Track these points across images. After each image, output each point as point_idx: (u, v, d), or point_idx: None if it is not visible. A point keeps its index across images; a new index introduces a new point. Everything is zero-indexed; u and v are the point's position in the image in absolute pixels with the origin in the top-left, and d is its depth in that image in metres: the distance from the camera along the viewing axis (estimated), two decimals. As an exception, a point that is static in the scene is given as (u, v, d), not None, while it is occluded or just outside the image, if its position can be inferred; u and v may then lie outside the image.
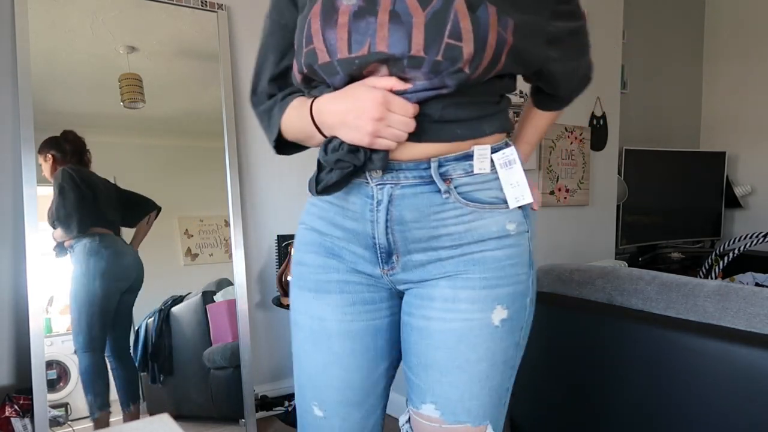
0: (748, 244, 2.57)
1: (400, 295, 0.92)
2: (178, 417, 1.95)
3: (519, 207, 0.86)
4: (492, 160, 0.85)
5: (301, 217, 0.97)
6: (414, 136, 0.81)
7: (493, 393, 0.88)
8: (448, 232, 0.84)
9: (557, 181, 2.75)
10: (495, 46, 0.78)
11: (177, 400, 2.00)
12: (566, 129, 2.78)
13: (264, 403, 2.19)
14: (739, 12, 3.90)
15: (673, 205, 3.62)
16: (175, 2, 2.02)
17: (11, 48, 1.77)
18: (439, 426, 0.87)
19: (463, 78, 0.77)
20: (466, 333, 0.85)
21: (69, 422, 1.80)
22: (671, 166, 3.59)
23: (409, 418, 0.93)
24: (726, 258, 2.61)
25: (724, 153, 3.81)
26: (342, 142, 0.80)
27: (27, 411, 1.72)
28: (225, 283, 2.12)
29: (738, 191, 3.85)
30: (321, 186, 0.82)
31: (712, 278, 2.61)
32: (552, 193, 2.74)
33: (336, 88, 0.82)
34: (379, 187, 0.84)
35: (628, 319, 1.21)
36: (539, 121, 1.05)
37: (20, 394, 1.74)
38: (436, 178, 0.83)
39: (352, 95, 0.78)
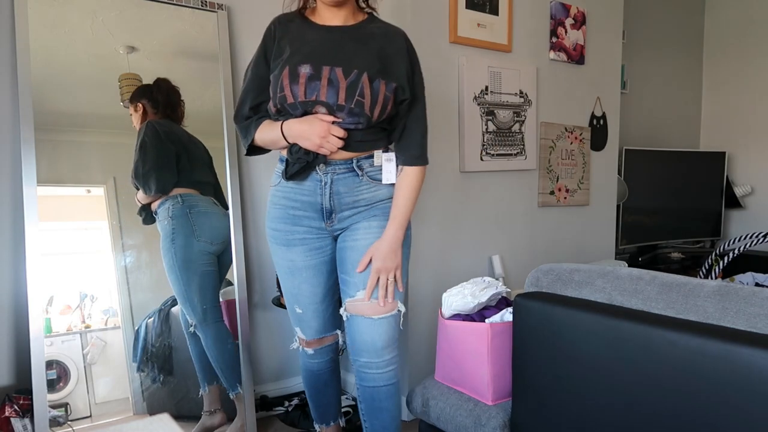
0: (748, 244, 2.57)
1: (336, 238, 1.59)
2: (178, 417, 1.95)
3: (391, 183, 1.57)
4: (381, 158, 1.55)
5: (269, 200, 1.60)
6: (345, 148, 1.48)
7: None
8: (363, 198, 1.54)
9: (557, 181, 2.75)
10: (383, 101, 1.47)
11: (177, 400, 2.00)
12: (566, 129, 2.78)
13: (264, 403, 2.19)
14: (738, 12, 3.90)
15: (673, 205, 3.61)
16: (175, 2, 2.02)
17: (11, 48, 1.77)
18: (369, 301, 1.52)
19: (367, 118, 1.46)
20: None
21: (69, 422, 1.80)
22: (671, 166, 3.59)
23: (345, 308, 1.56)
24: (726, 258, 2.61)
25: (724, 153, 3.81)
26: (300, 147, 1.47)
27: (27, 411, 1.72)
28: (225, 283, 2.12)
29: (738, 191, 3.84)
30: (288, 174, 1.50)
31: (712, 278, 2.61)
32: (552, 193, 2.74)
33: (297, 116, 1.47)
34: (324, 174, 1.50)
35: (628, 319, 1.21)
36: (401, 182, 1.56)
37: (20, 394, 1.74)
38: (356, 169, 1.52)
39: (309, 122, 1.45)
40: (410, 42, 1.58)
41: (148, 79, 1.99)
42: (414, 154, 1.56)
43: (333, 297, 1.62)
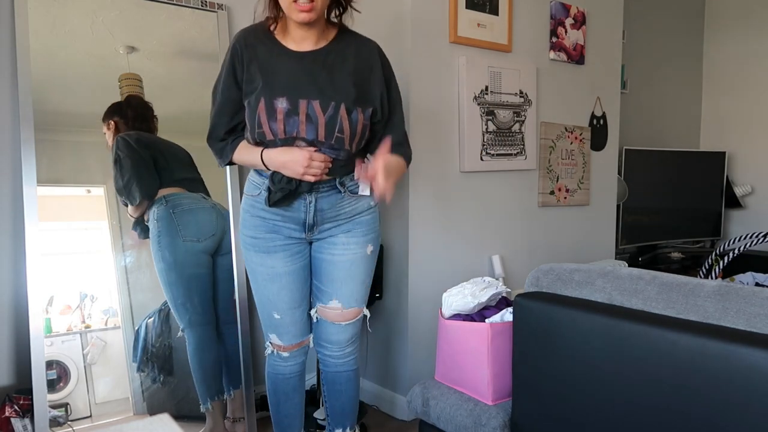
0: (748, 244, 2.57)
1: (311, 244, 1.62)
2: (178, 417, 1.95)
3: (371, 194, 1.56)
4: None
5: (243, 207, 1.60)
6: (328, 173, 1.51)
7: (366, 289, 1.67)
8: (344, 211, 1.58)
9: (557, 181, 2.75)
10: (361, 131, 1.52)
11: (177, 400, 2.00)
12: (566, 129, 2.78)
13: (264, 403, 2.19)
14: (738, 12, 3.90)
15: (673, 205, 3.61)
16: (175, 2, 2.02)
17: (11, 48, 1.77)
18: (341, 311, 1.63)
19: (348, 152, 1.51)
20: (355, 260, 1.61)
21: (69, 422, 1.80)
22: (671, 166, 3.59)
23: (316, 311, 1.66)
24: (726, 258, 2.60)
25: (724, 153, 3.80)
26: (283, 176, 1.48)
27: (27, 411, 1.72)
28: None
29: (738, 191, 3.84)
30: (272, 202, 1.50)
31: (712, 278, 2.61)
32: (552, 193, 2.74)
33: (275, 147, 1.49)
34: (309, 194, 1.52)
35: (628, 319, 1.21)
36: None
37: (20, 394, 1.74)
38: (339, 186, 1.56)
39: (291, 153, 1.46)
40: (383, 54, 1.59)
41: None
42: (396, 141, 1.56)
43: (308, 301, 1.67)
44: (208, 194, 2.02)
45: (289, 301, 1.60)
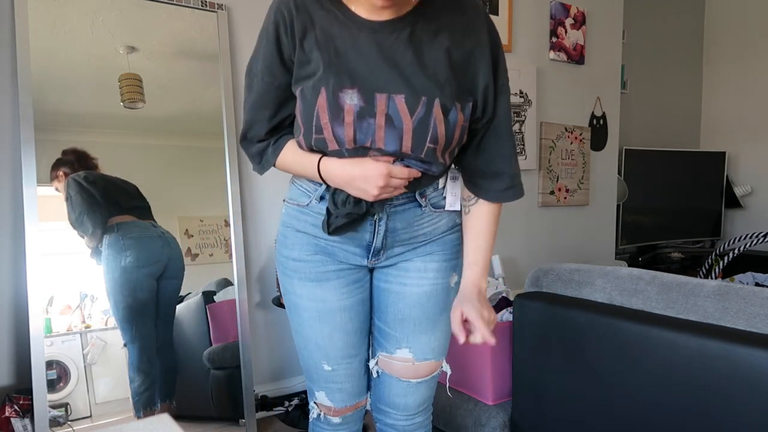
0: (748, 244, 2.57)
1: (372, 270, 1.21)
2: (178, 417, 1.95)
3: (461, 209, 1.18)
4: (446, 177, 1.15)
5: (283, 220, 1.20)
6: (409, 185, 1.07)
7: (445, 335, 1.21)
8: (423, 232, 1.15)
9: (557, 181, 2.75)
10: (459, 136, 1.06)
11: (177, 400, 2.00)
12: (566, 129, 2.78)
13: (264, 403, 2.19)
14: (739, 12, 3.90)
15: (673, 205, 3.62)
16: (175, 2, 2.02)
17: (11, 48, 1.78)
18: (412, 364, 1.19)
19: (441, 166, 1.08)
20: (434, 293, 1.17)
21: (69, 422, 1.80)
22: (671, 166, 3.59)
23: (377, 362, 1.23)
24: (726, 258, 2.61)
25: (724, 153, 3.81)
26: (348, 196, 1.06)
27: (27, 411, 1.72)
28: (225, 283, 2.12)
29: (738, 191, 3.85)
30: (332, 228, 1.08)
31: (712, 278, 2.61)
32: (552, 193, 2.74)
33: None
34: (380, 211, 1.10)
35: (628, 319, 1.21)
36: (482, 220, 1.16)
37: (20, 394, 1.74)
38: (419, 198, 1.12)
39: (362, 165, 1.02)
40: (492, 24, 1.08)
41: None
42: (500, 187, 1.14)
43: (367, 347, 1.25)
44: (155, 221, 2.06)
45: (343, 347, 1.19)
